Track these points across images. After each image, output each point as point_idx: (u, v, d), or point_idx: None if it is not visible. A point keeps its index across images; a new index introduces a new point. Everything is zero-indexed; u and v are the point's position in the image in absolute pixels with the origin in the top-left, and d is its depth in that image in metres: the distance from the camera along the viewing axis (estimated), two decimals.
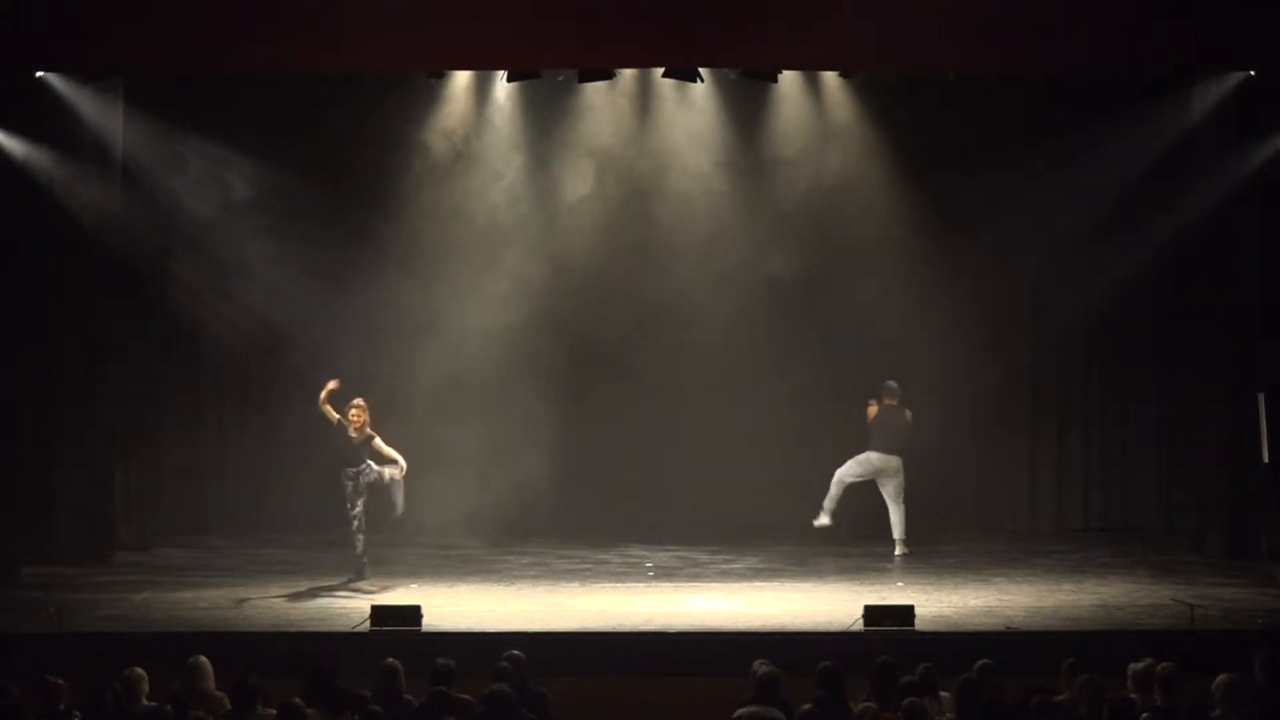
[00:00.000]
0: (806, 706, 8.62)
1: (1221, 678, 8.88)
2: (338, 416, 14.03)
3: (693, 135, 16.67)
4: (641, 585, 14.19)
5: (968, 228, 16.39)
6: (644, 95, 16.58)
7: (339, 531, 16.12)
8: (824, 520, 15.60)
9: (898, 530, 15.57)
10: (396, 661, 9.30)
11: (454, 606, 12.97)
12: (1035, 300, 16.92)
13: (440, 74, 15.74)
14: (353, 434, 14.07)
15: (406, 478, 16.17)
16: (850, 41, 13.51)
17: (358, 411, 14.10)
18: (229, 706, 8.96)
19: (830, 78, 16.20)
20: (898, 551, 15.48)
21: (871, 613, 12.03)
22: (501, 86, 16.12)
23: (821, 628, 12.18)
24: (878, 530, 15.74)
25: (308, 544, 15.94)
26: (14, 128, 14.71)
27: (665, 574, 14.73)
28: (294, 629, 12.28)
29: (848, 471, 15.63)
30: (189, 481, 16.92)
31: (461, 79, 16.22)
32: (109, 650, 10.94)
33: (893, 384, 15.60)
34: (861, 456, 15.63)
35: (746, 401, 16.86)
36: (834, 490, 15.64)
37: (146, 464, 16.41)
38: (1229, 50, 13.79)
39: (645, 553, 15.70)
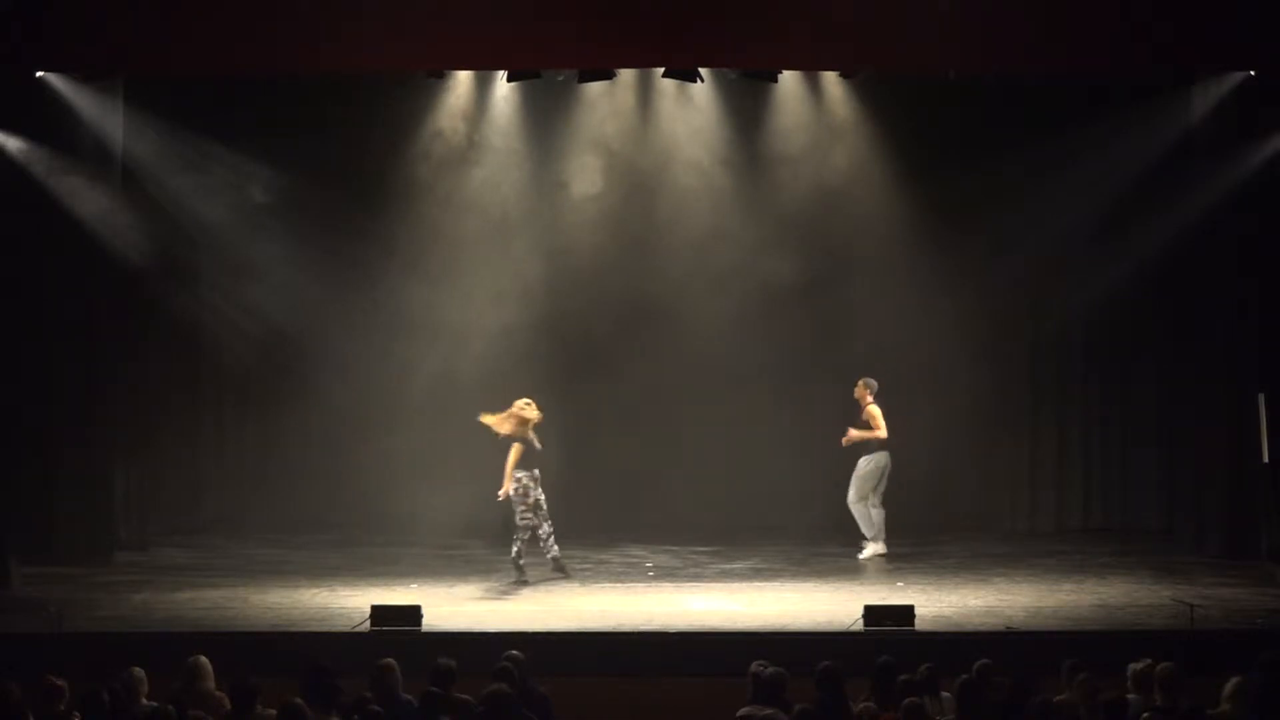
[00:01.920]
0: (806, 706, 8.62)
1: (1234, 680, 8.89)
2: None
3: (693, 134, 16.70)
4: (641, 585, 14.19)
5: (967, 227, 16.40)
6: (645, 92, 16.60)
7: (339, 532, 16.21)
8: (875, 549, 15.27)
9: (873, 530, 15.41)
10: (392, 660, 9.30)
11: (454, 606, 12.96)
12: (1035, 300, 16.92)
13: (440, 74, 15.75)
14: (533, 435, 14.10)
15: (407, 477, 16.25)
16: (850, 41, 13.51)
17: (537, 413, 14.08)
18: (229, 706, 8.96)
19: (830, 78, 16.21)
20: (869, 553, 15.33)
21: (871, 613, 12.03)
22: (502, 85, 16.12)
23: (821, 628, 12.17)
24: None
25: (308, 544, 15.95)
26: (14, 128, 14.70)
27: (665, 574, 14.72)
28: (294, 629, 12.26)
29: (861, 490, 15.28)
30: (189, 481, 16.93)
31: (462, 78, 16.24)
32: (109, 650, 10.93)
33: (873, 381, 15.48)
34: (878, 460, 15.30)
35: (747, 401, 16.87)
36: (861, 515, 15.30)
37: (146, 464, 16.40)
38: (1229, 50, 13.78)
39: (645, 553, 15.70)
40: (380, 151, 16.57)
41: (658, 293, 16.81)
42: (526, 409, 14.08)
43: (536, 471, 14.14)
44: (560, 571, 14.26)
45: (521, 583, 13.97)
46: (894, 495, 16.00)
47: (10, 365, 15.01)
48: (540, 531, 14.19)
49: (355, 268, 16.64)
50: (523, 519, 14.12)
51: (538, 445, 14.15)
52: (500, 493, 14.06)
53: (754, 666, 9.33)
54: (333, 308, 16.57)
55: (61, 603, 12.81)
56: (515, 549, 14.11)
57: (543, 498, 14.16)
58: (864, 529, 15.31)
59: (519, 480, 14.04)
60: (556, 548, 14.28)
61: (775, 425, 16.73)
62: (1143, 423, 16.95)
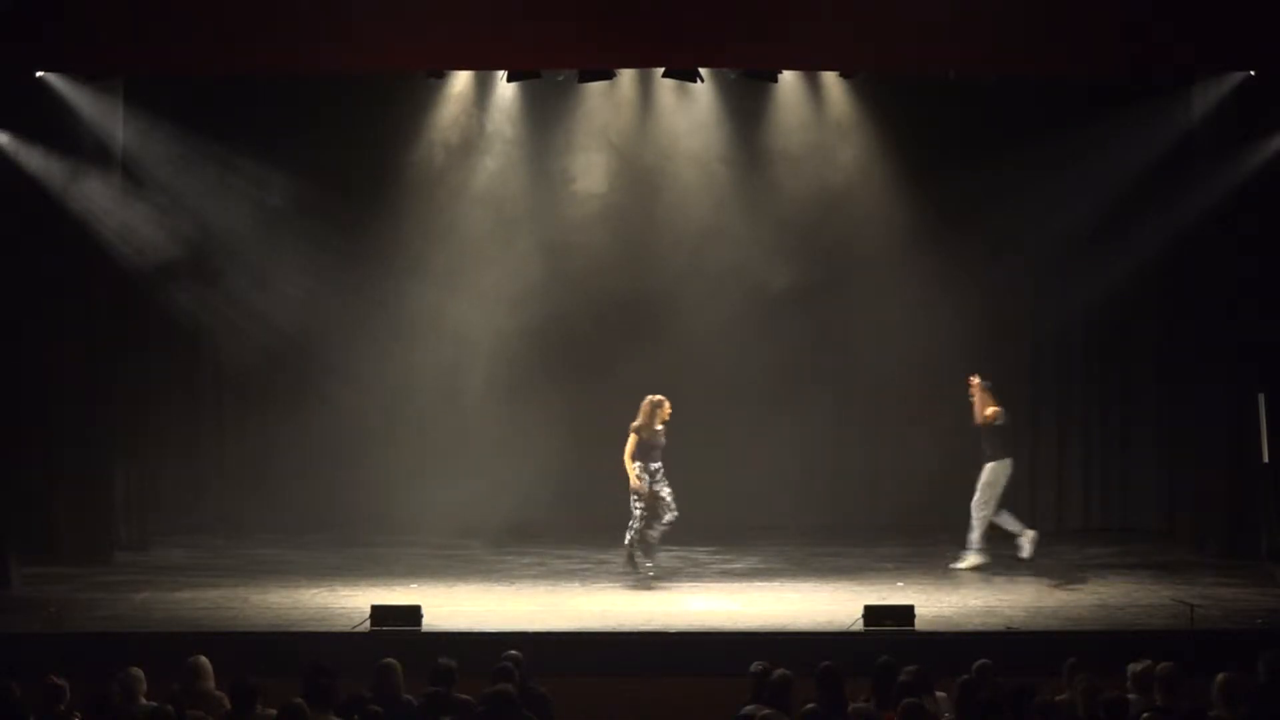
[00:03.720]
0: (807, 706, 8.62)
1: (1221, 676, 8.90)
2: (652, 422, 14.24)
3: (692, 135, 16.70)
4: (641, 585, 14.18)
5: (967, 227, 16.40)
6: (645, 92, 16.60)
7: (339, 532, 16.22)
8: (976, 560, 14.80)
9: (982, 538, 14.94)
10: (394, 660, 9.30)
11: (454, 606, 12.96)
12: (1035, 300, 16.92)
13: (440, 74, 15.76)
14: (660, 427, 14.28)
15: (407, 477, 16.25)
16: (850, 41, 13.51)
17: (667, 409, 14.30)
18: (229, 706, 8.96)
19: (830, 77, 16.22)
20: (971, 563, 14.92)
21: (871, 613, 12.04)
22: (503, 83, 16.12)
23: (821, 628, 12.18)
24: (876, 530, 15.71)
25: (308, 544, 15.94)
26: (14, 128, 14.70)
27: (665, 574, 14.72)
28: (294, 629, 12.27)
29: (987, 498, 14.70)
30: (189, 481, 16.92)
31: (462, 77, 16.25)
32: (109, 650, 10.94)
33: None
34: (1004, 466, 14.79)
35: (747, 400, 16.86)
36: (981, 525, 14.72)
37: (146, 464, 16.40)
38: (1229, 50, 13.78)
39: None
40: (381, 151, 16.57)
41: (659, 292, 16.81)
42: (657, 409, 14.26)
43: (652, 465, 14.24)
44: (630, 564, 14.27)
45: (642, 571, 14.15)
46: (894, 495, 16.04)
47: (10, 365, 15.00)
48: (637, 521, 14.27)
49: (356, 268, 16.63)
50: (635, 508, 14.22)
51: (660, 440, 14.28)
52: (633, 483, 14.23)
53: (754, 666, 9.34)
54: (333, 308, 16.56)
55: (61, 603, 12.82)
56: (629, 537, 14.25)
57: (648, 489, 14.25)
58: (974, 538, 14.75)
59: (634, 470, 14.21)
60: (630, 539, 14.29)
61: (776, 424, 16.71)
62: (1143, 423, 16.95)
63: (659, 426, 14.24)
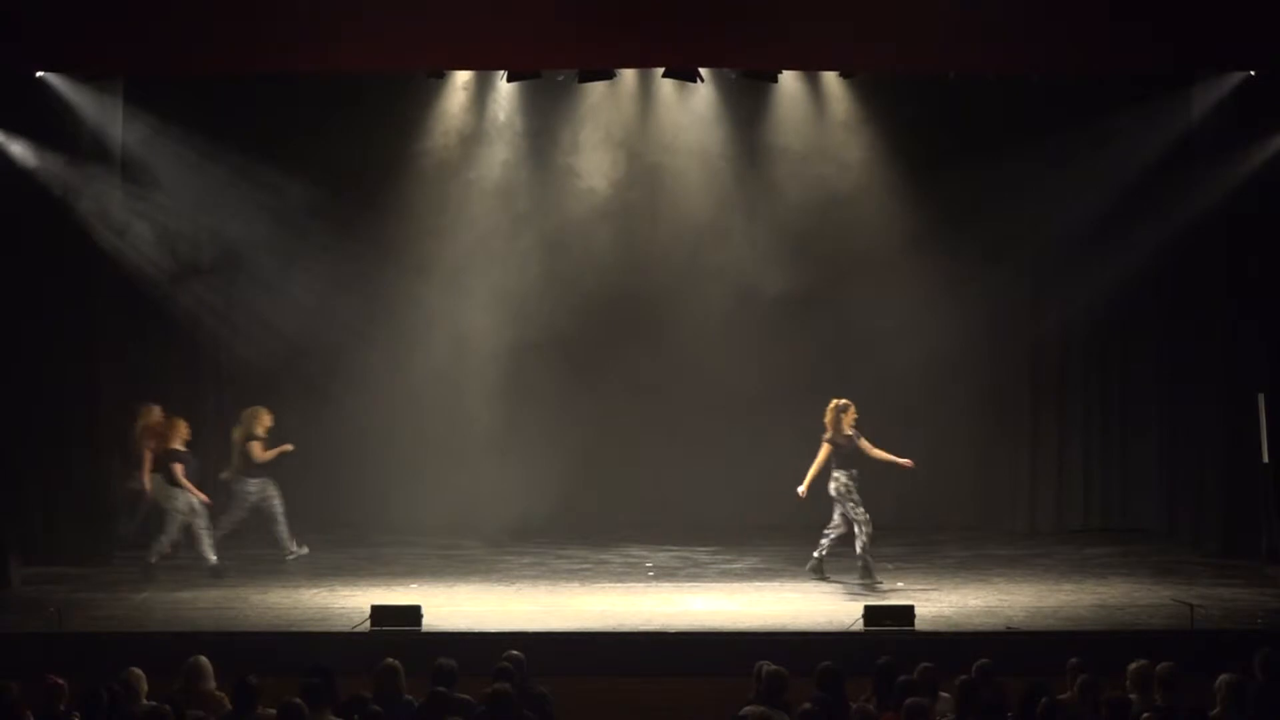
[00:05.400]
0: (806, 706, 8.63)
1: (1223, 677, 8.90)
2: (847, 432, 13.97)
3: (695, 131, 16.69)
4: (641, 585, 14.18)
5: (968, 227, 16.41)
6: (647, 88, 16.60)
7: (339, 532, 16.20)
8: None
9: None
10: (395, 661, 9.31)
11: (454, 606, 12.96)
12: (1035, 300, 16.92)
13: (440, 73, 15.76)
14: (850, 432, 14.01)
15: (408, 477, 16.23)
16: (850, 41, 13.51)
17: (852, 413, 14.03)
18: (229, 706, 8.96)
19: (830, 78, 16.22)
20: None
21: (871, 613, 12.04)
22: (502, 84, 16.12)
23: (821, 628, 12.19)
24: (875, 530, 15.62)
25: (308, 544, 15.91)
26: (14, 128, 14.69)
27: (665, 574, 14.72)
28: (294, 629, 12.27)
29: None
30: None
31: (462, 77, 16.25)
32: (109, 650, 10.94)
33: None
34: None
35: (747, 401, 16.86)
36: None
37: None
38: (1229, 50, 13.78)
39: (645, 553, 15.69)
40: (381, 150, 16.56)
41: (660, 292, 16.80)
42: (841, 414, 13.99)
43: (854, 471, 14.00)
44: (867, 573, 13.90)
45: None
46: (894, 495, 15.97)
47: (10, 365, 15.00)
48: (834, 529, 14.08)
49: (357, 267, 16.61)
50: (855, 514, 13.94)
51: (856, 444, 13.95)
52: (800, 490, 14.04)
53: (758, 666, 9.33)
54: (334, 308, 16.55)
55: (61, 603, 12.82)
56: (860, 546, 13.91)
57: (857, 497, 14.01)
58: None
59: (838, 480, 13.97)
60: (862, 548, 13.93)
61: (777, 424, 16.71)
62: (1142, 423, 16.95)
63: (849, 431, 13.99)
